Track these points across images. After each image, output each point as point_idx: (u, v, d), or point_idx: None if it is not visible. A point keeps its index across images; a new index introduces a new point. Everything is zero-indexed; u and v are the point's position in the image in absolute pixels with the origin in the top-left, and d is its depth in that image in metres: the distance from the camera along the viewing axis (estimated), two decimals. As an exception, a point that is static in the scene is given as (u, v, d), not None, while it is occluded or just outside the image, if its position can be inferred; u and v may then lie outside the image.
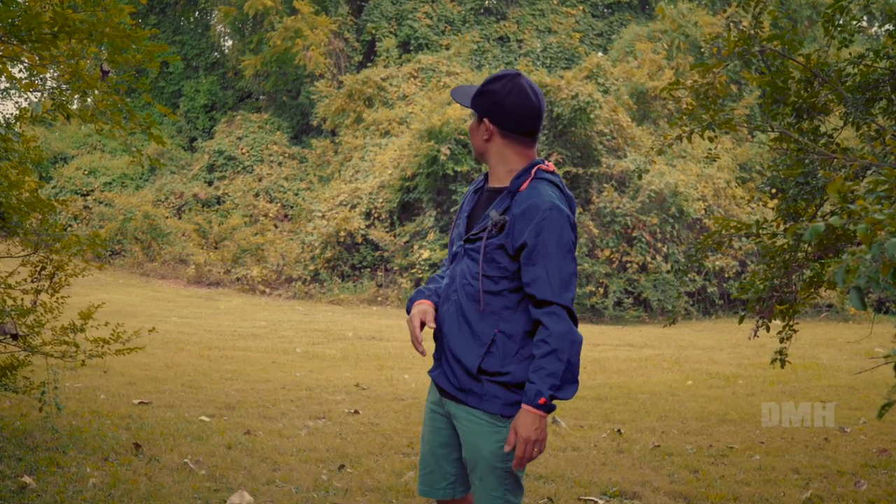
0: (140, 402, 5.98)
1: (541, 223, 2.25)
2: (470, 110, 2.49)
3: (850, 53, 4.69)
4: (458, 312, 2.35)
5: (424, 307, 2.41)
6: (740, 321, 4.46)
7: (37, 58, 3.69)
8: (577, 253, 15.57)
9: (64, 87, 4.58)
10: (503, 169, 2.40)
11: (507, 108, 2.34)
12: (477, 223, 2.39)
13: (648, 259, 15.40)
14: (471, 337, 2.32)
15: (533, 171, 2.36)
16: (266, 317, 13.10)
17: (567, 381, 2.23)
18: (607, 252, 15.52)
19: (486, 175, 2.47)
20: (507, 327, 2.30)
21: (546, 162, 2.41)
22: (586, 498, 4.17)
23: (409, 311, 2.43)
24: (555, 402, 2.23)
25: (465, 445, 2.35)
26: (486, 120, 2.39)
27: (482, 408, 2.30)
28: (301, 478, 4.29)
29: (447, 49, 22.58)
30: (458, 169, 15.88)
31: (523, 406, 2.22)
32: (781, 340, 4.62)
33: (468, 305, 2.33)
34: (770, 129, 4.33)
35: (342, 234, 16.61)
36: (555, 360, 2.21)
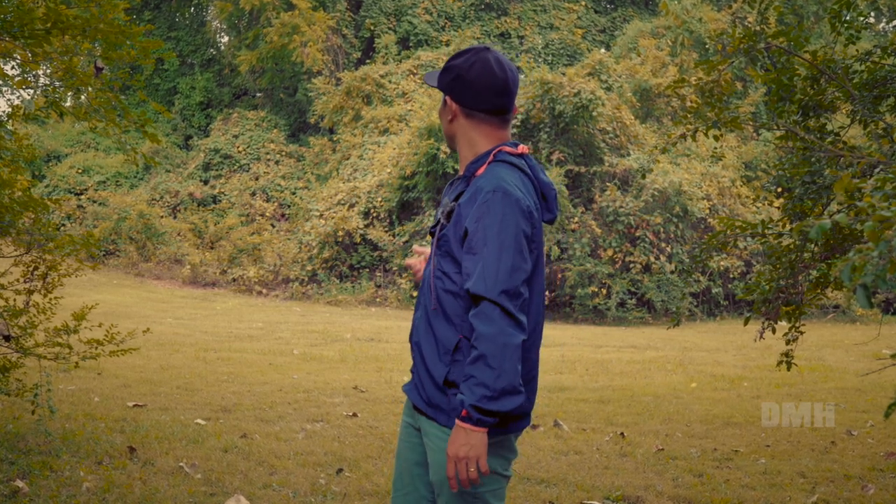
0: (134, 405, 5.98)
1: (481, 207, 2.01)
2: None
3: (857, 50, 4.69)
4: (425, 317, 2.14)
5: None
6: (745, 322, 4.46)
7: (29, 54, 3.69)
8: (578, 253, 15.45)
9: (57, 84, 4.57)
10: (470, 153, 2.20)
11: (468, 82, 2.15)
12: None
13: (652, 259, 15.41)
14: (435, 344, 2.11)
15: (493, 153, 2.15)
16: (263, 318, 13.11)
17: (505, 391, 1.95)
18: (610, 252, 15.52)
19: None
20: (470, 333, 2.05)
21: (519, 145, 2.18)
22: (588, 502, 4.17)
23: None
24: (496, 413, 1.97)
25: (432, 465, 2.11)
26: (448, 98, 2.19)
27: (449, 425, 2.06)
28: (298, 482, 4.29)
29: (447, 45, 22.59)
30: (459, 167, 15.94)
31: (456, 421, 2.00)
32: (787, 342, 4.62)
33: (428, 304, 2.15)
34: (776, 127, 4.33)
35: (340, 233, 16.62)
36: (483, 366, 1.94)
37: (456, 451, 1.97)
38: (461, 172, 2.20)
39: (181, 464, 4.45)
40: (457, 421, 1.98)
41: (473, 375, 1.96)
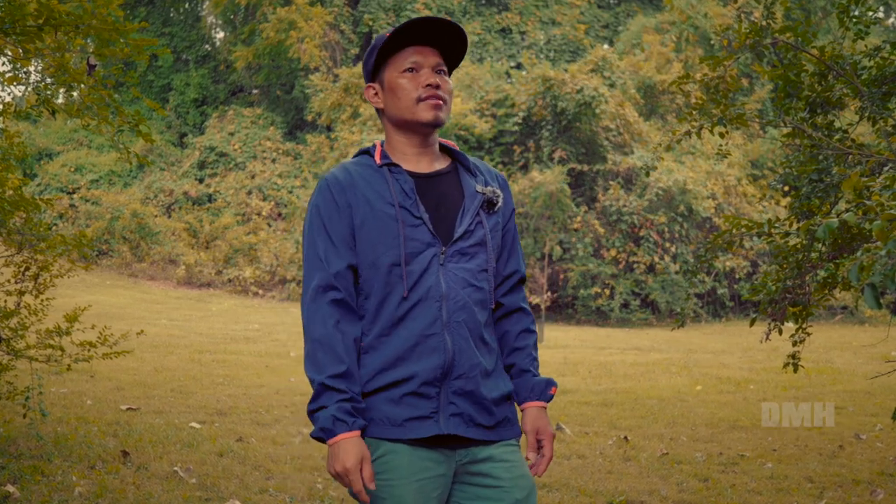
0: (128, 408, 5.98)
1: (508, 191, 2.05)
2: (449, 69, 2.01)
3: (865, 45, 4.68)
4: (472, 334, 1.90)
5: (362, 449, 1.79)
6: (751, 324, 4.46)
7: (21, 51, 3.69)
8: (581, 253, 15.55)
9: (49, 80, 4.58)
10: (436, 145, 2.02)
11: None
12: (453, 216, 1.92)
13: (656, 259, 15.41)
14: (490, 356, 1.95)
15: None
16: (259, 319, 13.11)
17: None
18: (613, 252, 15.53)
19: (393, 165, 1.94)
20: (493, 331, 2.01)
21: None
22: (592, 507, 4.17)
23: (325, 437, 1.79)
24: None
25: (514, 485, 1.90)
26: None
27: (515, 433, 1.97)
28: (295, 487, 4.29)
29: (447, 41, 22.59)
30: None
31: (537, 404, 1.96)
32: (794, 344, 4.62)
33: (479, 317, 1.92)
34: (782, 125, 4.33)
35: (338, 233, 16.61)
36: (537, 348, 2.06)
37: (553, 430, 1.98)
38: (425, 169, 1.97)
39: (175, 468, 4.45)
40: (542, 403, 1.98)
41: (536, 357, 2.02)
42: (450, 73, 2.00)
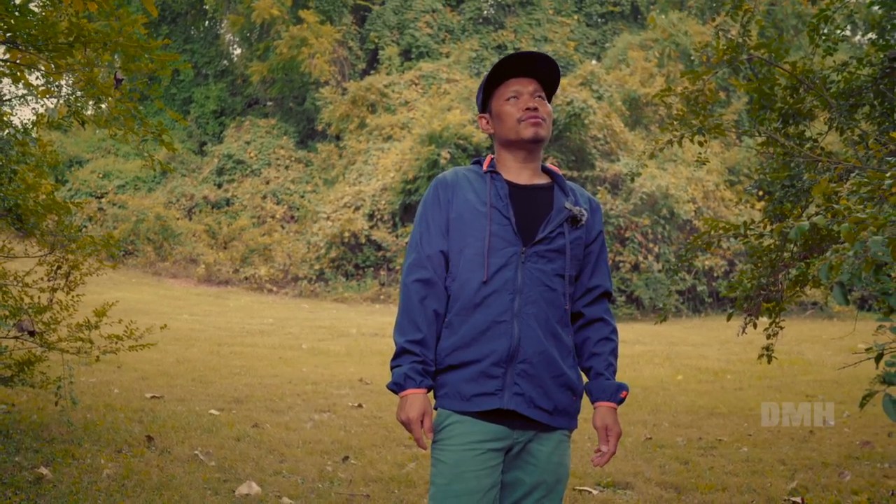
0: (152, 397, 5.98)
1: (600, 215, 2.17)
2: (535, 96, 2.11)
3: (834, 61, 4.69)
4: (541, 326, 2.00)
5: (426, 405, 1.95)
6: (728, 318, 4.46)
7: (53, 66, 3.69)
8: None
9: (79, 93, 4.58)
10: (539, 164, 2.14)
11: None
12: (538, 223, 2.04)
13: (640, 259, 15.41)
14: (560, 350, 2.03)
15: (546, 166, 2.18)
16: (273, 314, 13.11)
17: None
18: (601, 252, 15.50)
19: (495, 173, 2.08)
20: (571, 332, 2.10)
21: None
22: (580, 489, 4.17)
23: (396, 390, 1.96)
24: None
25: (548, 468, 2.02)
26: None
27: (571, 426, 2.07)
28: (307, 469, 4.29)
29: (447, 57, 22.59)
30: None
31: (607, 404, 2.05)
32: (768, 337, 4.62)
33: (552, 314, 2.02)
34: (757, 134, 4.33)
35: (346, 234, 16.62)
36: (616, 356, 2.11)
37: (620, 430, 2.07)
38: (522, 181, 2.09)
39: (196, 452, 4.45)
40: (612, 404, 2.06)
41: (613, 364, 2.10)
42: (550, 98, 2.13)
